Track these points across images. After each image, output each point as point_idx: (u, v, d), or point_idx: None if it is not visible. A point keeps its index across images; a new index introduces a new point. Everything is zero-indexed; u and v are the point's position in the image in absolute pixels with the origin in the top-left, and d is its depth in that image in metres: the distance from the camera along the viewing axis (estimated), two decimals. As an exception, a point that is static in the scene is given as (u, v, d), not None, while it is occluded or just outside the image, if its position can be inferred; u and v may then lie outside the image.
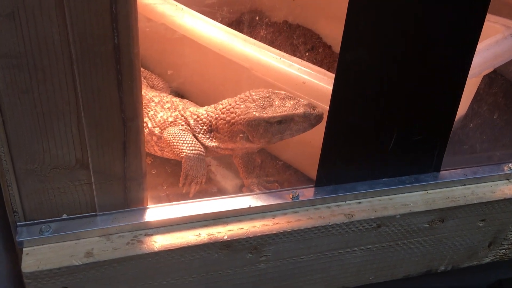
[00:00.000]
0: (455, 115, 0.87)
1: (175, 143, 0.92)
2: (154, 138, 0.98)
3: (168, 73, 1.26)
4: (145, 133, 0.99)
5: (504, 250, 0.99)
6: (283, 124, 0.88)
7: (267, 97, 0.90)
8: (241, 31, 1.12)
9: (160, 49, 1.31)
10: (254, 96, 0.90)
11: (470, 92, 1.21)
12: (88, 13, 0.61)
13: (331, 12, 1.52)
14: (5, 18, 0.60)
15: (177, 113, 0.99)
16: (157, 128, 0.98)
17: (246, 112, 0.89)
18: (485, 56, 1.09)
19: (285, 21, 1.68)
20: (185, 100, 1.07)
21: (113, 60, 0.65)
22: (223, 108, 0.93)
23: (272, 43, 1.58)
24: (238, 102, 0.91)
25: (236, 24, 1.60)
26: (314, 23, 1.61)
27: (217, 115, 0.93)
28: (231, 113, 0.91)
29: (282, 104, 0.89)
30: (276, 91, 0.92)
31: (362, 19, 0.74)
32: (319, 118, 0.87)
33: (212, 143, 0.94)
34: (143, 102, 1.03)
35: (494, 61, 1.11)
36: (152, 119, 1.00)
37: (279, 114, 0.87)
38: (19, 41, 0.61)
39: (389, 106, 0.84)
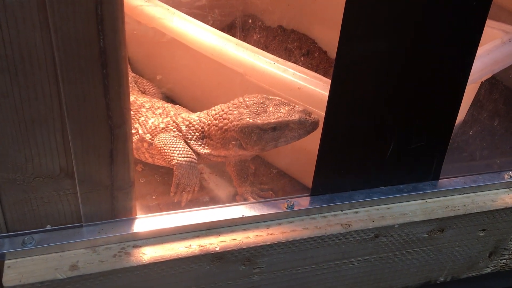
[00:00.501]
0: (455, 122, 0.85)
1: (166, 150, 0.89)
2: (145, 144, 0.95)
3: (158, 78, 1.23)
4: (135, 140, 0.96)
5: (505, 260, 0.96)
6: (278, 131, 0.85)
7: (261, 103, 0.87)
8: (234, 35, 1.09)
9: (151, 54, 1.28)
10: (247, 102, 0.88)
11: (469, 98, 1.19)
12: (72, 15, 0.58)
13: (327, 16, 1.50)
14: (-16, 20, 0.57)
15: (168, 119, 0.96)
16: (148, 135, 0.95)
17: (239, 118, 0.86)
18: (484, 61, 1.06)
19: (279, 25, 1.66)
20: (177, 106, 1.04)
21: (99, 64, 0.62)
22: (215, 114, 0.90)
23: (266, 47, 1.55)
24: (231, 108, 0.88)
25: (228, 28, 1.58)
26: (309, 28, 1.58)
27: (209, 121, 0.90)
28: (224, 119, 0.88)
29: (276, 110, 0.86)
30: (270, 97, 0.89)
31: (358, 25, 0.72)
32: (314, 124, 0.84)
33: (204, 150, 0.91)
34: (134, 107, 1.00)
35: (493, 67, 1.09)
36: (143, 125, 0.97)
37: (273, 120, 0.84)
38: (0, 44, 0.58)
39: (386, 113, 0.81)
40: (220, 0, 1.61)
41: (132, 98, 1.02)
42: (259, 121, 0.84)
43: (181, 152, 0.89)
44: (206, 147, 0.91)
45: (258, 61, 0.98)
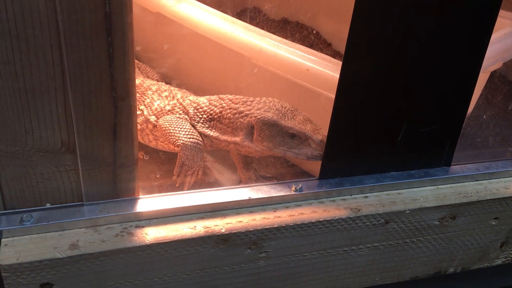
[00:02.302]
0: (468, 107, 0.82)
1: (171, 131, 0.86)
2: (150, 126, 0.92)
3: (165, 47, 1.20)
4: (140, 121, 0.93)
5: (516, 251, 0.93)
6: (295, 140, 0.83)
7: (291, 110, 0.85)
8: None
9: (156, 40, 1.26)
10: (277, 104, 0.86)
11: (480, 86, 1.16)
12: (77, -24, 0.56)
13: (331, 8, 1.48)
14: (-16, -20, 0.54)
15: (175, 101, 0.93)
16: (153, 116, 0.92)
17: (266, 109, 0.84)
18: (493, 49, 1.04)
19: (283, 17, 1.63)
20: (183, 90, 1.01)
21: (104, 31, 0.60)
22: (235, 99, 0.87)
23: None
24: (258, 100, 0.86)
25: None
26: (314, 20, 1.56)
27: (225, 104, 0.87)
28: (248, 105, 0.85)
29: (303, 122, 0.84)
30: (302, 112, 0.87)
31: (371, 9, 0.69)
32: (319, 157, 0.83)
33: (211, 133, 0.88)
34: (140, 90, 0.97)
35: (504, 55, 1.07)
36: (148, 107, 0.94)
37: (297, 127, 0.82)
38: (1, 6, 0.55)
39: (398, 97, 0.78)
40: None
41: (138, 81, 0.99)
42: (283, 122, 0.82)
43: (187, 132, 0.86)
44: (214, 130, 0.88)
45: (264, 43, 0.95)
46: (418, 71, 0.77)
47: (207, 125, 0.88)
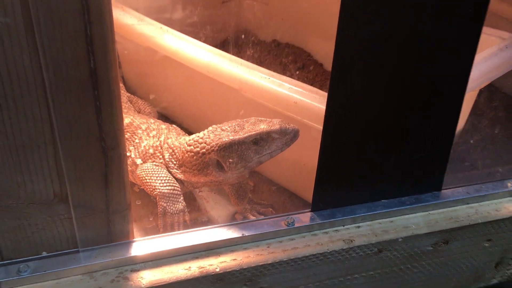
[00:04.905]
0: (454, 132, 0.83)
1: (147, 180, 0.87)
2: (134, 168, 0.93)
3: (150, 97, 1.22)
4: (129, 163, 0.94)
5: (511, 271, 0.94)
6: (260, 143, 0.83)
7: (237, 124, 0.86)
8: (227, 51, 1.08)
9: (146, 73, 1.27)
10: (222, 127, 0.86)
11: (468, 106, 1.18)
12: (60, 36, 0.57)
13: (322, 29, 1.50)
14: (-29, 45, 0.55)
15: (158, 143, 0.94)
16: (139, 159, 0.93)
17: (217, 139, 0.84)
18: (481, 69, 1.05)
19: (274, 39, 1.65)
20: (172, 127, 1.02)
21: (90, 85, 0.61)
22: (189, 140, 0.88)
23: (260, 62, 1.54)
24: (206, 133, 0.87)
25: (222, 44, 1.58)
26: (304, 41, 1.58)
27: (184, 149, 0.88)
28: (200, 143, 0.86)
29: (254, 126, 0.85)
30: (245, 119, 0.87)
31: (355, 35, 0.71)
32: (295, 132, 0.84)
33: (184, 177, 0.89)
34: (130, 129, 0.98)
35: (491, 74, 1.08)
36: (136, 149, 0.95)
37: (254, 132, 0.83)
38: (-13, 68, 0.57)
39: (385, 124, 0.80)
40: (212, 16, 1.61)
41: (128, 120, 1.01)
42: (238, 137, 0.83)
43: (162, 181, 0.87)
44: (186, 174, 0.89)
45: (253, 76, 0.97)
46: (403, 101, 0.78)
47: (179, 171, 0.89)
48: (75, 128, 0.63)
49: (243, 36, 1.68)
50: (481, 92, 1.25)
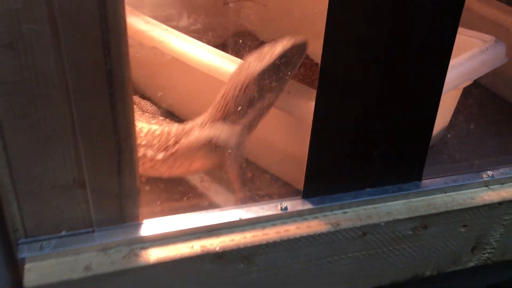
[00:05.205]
0: (432, 127, 0.92)
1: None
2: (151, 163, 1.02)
3: (158, 95, 1.30)
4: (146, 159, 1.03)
5: (487, 255, 1.03)
6: (285, 60, 0.95)
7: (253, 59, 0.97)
8: (228, 50, 1.17)
9: (153, 73, 1.36)
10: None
11: (452, 104, 1.26)
12: (81, 42, 0.66)
13: (318, 30, 1.57)
14: (3, 49, 0.64)
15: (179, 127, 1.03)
16: (161, 153, 1.01)
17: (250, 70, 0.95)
18: (463, 69, 1.14)
19: (273, 40, 1.73)
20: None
21: (106, 85, 0.70)
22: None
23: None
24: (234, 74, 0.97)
25: (223, 43, 1.66)
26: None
27: (219, 101, 0.99)
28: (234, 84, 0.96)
29: (271, 49, 0.97)
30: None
31: (342, 36, 0.79)
32: (304, 43, 0.96)
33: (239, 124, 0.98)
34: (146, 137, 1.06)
35: (472, 74, 1.16)
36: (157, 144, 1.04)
37: (278, 50, 0.96)
38: (17, 70, 0.66)
39: (370, 120, 0.88)
40: (215, 17, 1.69)
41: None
42: (267, 59, 0.95)
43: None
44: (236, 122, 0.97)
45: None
46: (386, 98, 0.87)
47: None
48: (92, 121, 0.72)
49: (244, 38, 1.77)
50: (469, 91, 1.34)
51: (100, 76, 0.69)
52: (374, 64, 0.83)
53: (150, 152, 1.02)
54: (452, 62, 1.12)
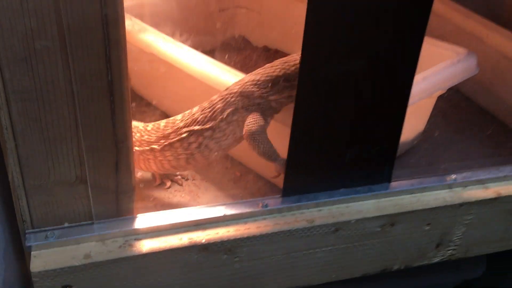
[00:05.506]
0: (400, 134, 1.01)
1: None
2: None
3: (153, 103, 1.40)
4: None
5: (450, 251, 1.13)
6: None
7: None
8: (222, 55, 1.26)
9: (150, 78, 1.45)
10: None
11: (426, 111, 1.36)
12: (87, 57, 0.75)
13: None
14: (19, 62, 0.74)
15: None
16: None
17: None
18: (435, 79, 1.23)
19: (264, 45, 1.83)
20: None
21: (108, 93, 0.79)
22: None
23: (252, 67, 1.72)
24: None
25: (216, 49, 1.75)
26: (292, 47, 1.75)
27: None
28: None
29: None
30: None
31: (319, 46, 0.88)
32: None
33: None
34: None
35: (444, 84, 1.26)
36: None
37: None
38: (31, 80, 0.75)
39: (343, 126, 0.98)
40: (212, 23, 1.79)
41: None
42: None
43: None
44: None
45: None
46: (357, 107, 0.96)
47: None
48: (94, 125, 0.81)
49: (237, 42, 1.86)
50: (448, 97, 1.44)
51: (102, 86, 0.79)
52: (346, 75, 0.92)
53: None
54: (426, 72, 1.24)
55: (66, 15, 0.71)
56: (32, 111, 0.77)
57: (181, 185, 1.22)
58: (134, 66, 1.45)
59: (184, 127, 1.04)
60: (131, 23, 1.36)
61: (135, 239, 0.90)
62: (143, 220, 0.92)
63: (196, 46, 1.77)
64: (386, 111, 0.99)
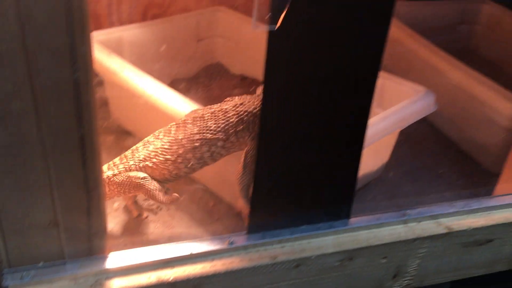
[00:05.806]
0: (357, 174, 1.09)
1: None
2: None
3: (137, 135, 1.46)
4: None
5: (407, 281, 1.20)
6: None
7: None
8: (200, 83, 1.32)
9: (127, 109, 1.52)
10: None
11: (388, 146, 1.44)
12: (59, 116, 0.82)
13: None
14: (-4, 121, 0.80)
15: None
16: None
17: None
18: (395, 119, 1.32)
19: (241, 74, 1.90)
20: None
21: (79, 147, 0.86)
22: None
23: (229, 95, 1.79)
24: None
25: (195, 77, 1.82)
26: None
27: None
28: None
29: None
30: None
31: (278, 74, 0.95)
32: None
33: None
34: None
35: (403, 123, 1.34)
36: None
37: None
38: (6, 137, 0.81)
39: (303, 169, 1.05)
40: (189, 53, 1.86)
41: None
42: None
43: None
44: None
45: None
46: (312, 148, 1.03)
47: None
48: (66, 175, 0.87)
49: (214, 70, 1.93)
50: (417, 128, 1.51)
51: (74, 140, 0.85)
52: (303, 123, 0.99)
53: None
54: (385, 113, 1.31)
55: (38, 79, 0.78)
56: (7, 164, 0.83)
57: (155, 214, 1.29)
58: (115, 101, 1.53)
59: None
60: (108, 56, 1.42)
61: (105, 278, 0.96)
62: (114, 259, 0.98)
63: (174, 74, 1.86)
64: (343, 153, 1.06)
